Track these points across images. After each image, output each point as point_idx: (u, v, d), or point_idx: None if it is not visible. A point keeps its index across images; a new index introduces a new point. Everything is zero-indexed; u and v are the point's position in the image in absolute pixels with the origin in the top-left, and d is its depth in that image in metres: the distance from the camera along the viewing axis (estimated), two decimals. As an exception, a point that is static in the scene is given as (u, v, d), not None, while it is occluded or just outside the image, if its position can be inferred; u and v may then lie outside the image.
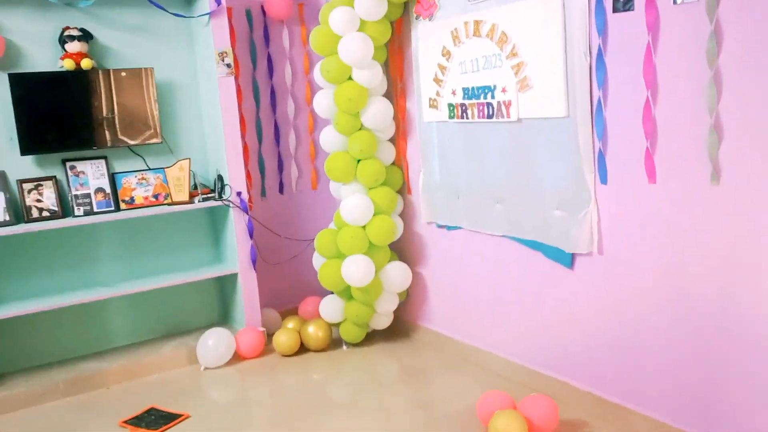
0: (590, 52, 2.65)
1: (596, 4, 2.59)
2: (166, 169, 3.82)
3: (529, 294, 3.17)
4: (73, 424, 3.21)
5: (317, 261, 3.93)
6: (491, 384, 3.25)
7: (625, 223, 2.66)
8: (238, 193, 3.86)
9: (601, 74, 2.63)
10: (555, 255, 2.96)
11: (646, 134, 2.49)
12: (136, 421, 3.19)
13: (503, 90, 3.03)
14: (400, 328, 4.06)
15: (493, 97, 3.09)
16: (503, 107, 3.05)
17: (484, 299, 3.44)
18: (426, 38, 3.46)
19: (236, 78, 3.92)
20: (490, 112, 3.12)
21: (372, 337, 4.03)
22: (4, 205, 3.44)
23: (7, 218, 3.44)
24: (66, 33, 3.51)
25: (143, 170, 3.81)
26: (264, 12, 4.11)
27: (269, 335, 4.07)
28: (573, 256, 2.89)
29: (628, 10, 2.49)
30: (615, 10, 2.54)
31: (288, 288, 4.37)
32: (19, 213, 3.52)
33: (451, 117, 3.37)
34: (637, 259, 2.63)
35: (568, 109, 2.76)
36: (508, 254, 3.24)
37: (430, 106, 3.50)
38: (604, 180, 2.70)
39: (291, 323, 4.00)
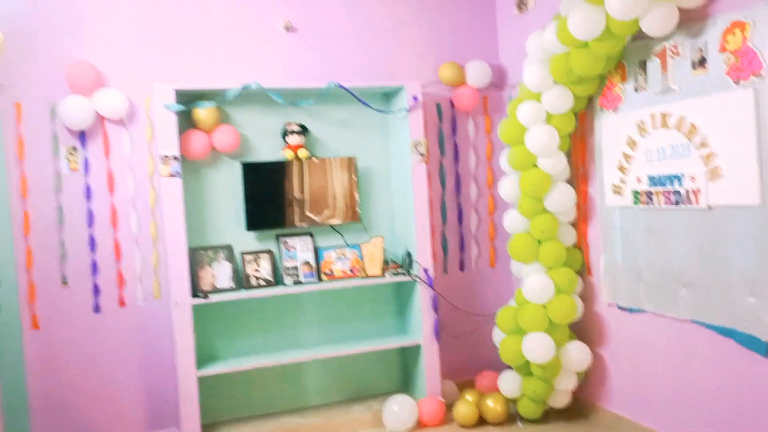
0: (785, 144, 2.73)
1: (791, 98, 2.69)
2: (361, 246, 4.25)
3: (718, 381, 3.14)
4: (279, 472, 3.58)
5: (497, 336, 4.12)
6: (679, 471, 3.21)
7: (827, 313, 2.63)
8: (425, 270, 4.19)
9: (797, 164, 2.68)
10: (748, 342, 2.95)
11: None
12: (332, 474, 3.49)
13: (692, 179, 3.14)
14: (578, 407, 4.10)
15: (680, 184, 3.21)
16: (692, 195, 3.15)
17: (669, 384, 3.44)
18: (610, 128, 3.66)
19: (426, 164, 4.33)
20: (677, 200, 3.23)
21: (549, 415, 4.10)
22: (230, 274, 4.02)
23: (232, 285, 4.00)
24: (288, 128, 4.11)
25: (342, 246, 4.27)
26: (452, 105, 4.53)
27: (448, 406, 4.26)
28: (769, 343, 2.87)
29: (826, 103, 2.56)
30: (811, 103, 2.62)
31: (466, 361, 4.57)
32: (240, 280, 4.07)
33: (635, 203, 3.51)
34: (843, 351, 2.58)
35: (762, 196, 2.82)
36: (695, 339, 3.25)
37: (614, 192, 3.66)
38: (802, 268, 2.71)
39: (469, 396, 4.18)
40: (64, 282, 3.80)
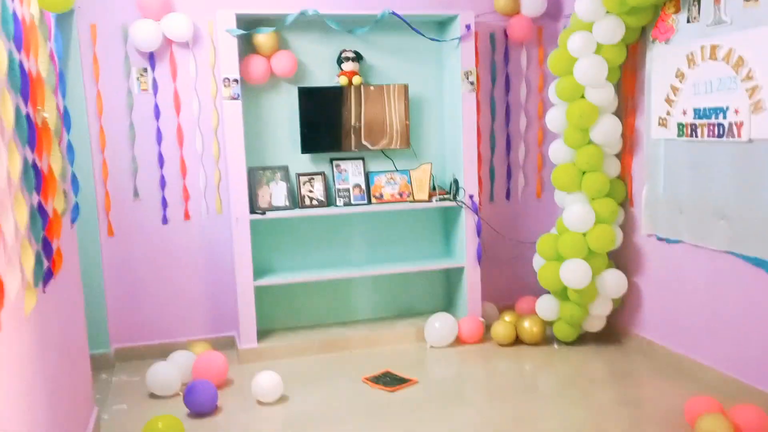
0: (831, 78, 2.73)
1: (840, 31, 2.68)
2: (411, 171, 4.43)
3: (748, 310, 3.25)
4: (325, 375, 3.91)
5: (537, 262, 4.29)
6: (701, 392, 3.37)
7: None
8: (470, 196, 4.35)
9: (841, 99, 2.70)
10: (779, 273, 3.04)
11: None
12: (375, 379, 3.80)
13: (736, 111, 3.17)
14: (612, 332, 4.28)
15: (725, 117, 3.24)
16: (734, 128, 3.19)
17: (701, 312, 3.57)
18: (660, 60, 3.67)
19: (477, 94, 4.42)
20: (721, 132, 3.27)
21: (584, 338, 4.29)
22: (286, 193, 4.28)
23: (287, 204, 4.27)
24: (343, 54, 4.26)
25: (392, 171, 4.46)
26: (506, 35, 4.57)
27: (487, 326, 4.50)
28: (798, 275, 2.95)
29: None
30: None
31: (507, 285, 4.78)
32: (295, 200, 4.33)
33: (680, 135, 3.55)
34: None
35: (803, 131, 2.85)
36: (729, 270, 3.35)
37: (659, 124, 3.70)
38: (837, 202, 2.75)
39: (508, 317, 4.40)
40: (136, 194, 4.15)
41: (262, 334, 4.30)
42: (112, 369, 4.08)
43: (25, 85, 2.25)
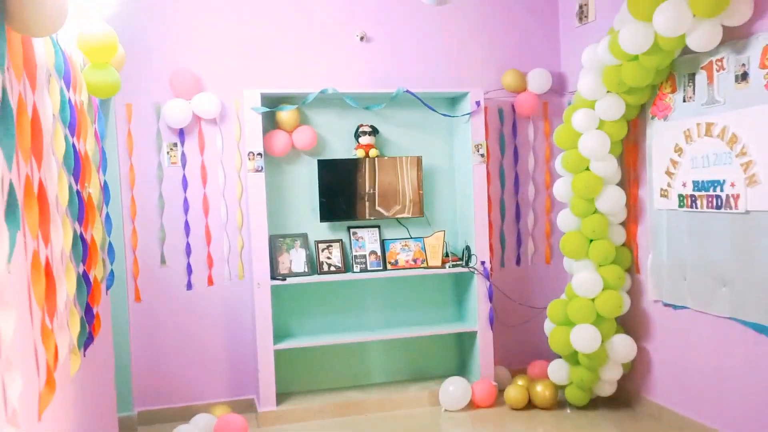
0: (818, 154, 2.93)
1: (823, 112, 2.89)
2: (424, 239, 4.63)
3: (752, 375, 3.36)
4: (343, 437, 4.01)
5: (548, 327, 4.41)
6: (712, 457, 3.44)
7: None
8: (482, 262, 4.53)
9: (828, 174, 2.89)
10: (780, 339, 3.17)
11: None
12: (390, 442, 3.90)
13: (732, 184, 3.36)
14: (623, 397, 4.36)
15: (722, 190, 3.43)
16: (731, 199, 3.37)
17: (708, 377, 3.67)
18: (660, 136, 3.90)
19: (487, 165, 4.66)
20: (719, 204, 3.46)
21: (595, 403, 4.37)
22: (305, 260, 4.47)
23: (306, 270, 4.46)
24: (360, 129, 4.53)
25: (407, 238, 4.66)
26: (514, 109, 4.84)
27: (500, 390, 4.59)
28: (798, 341, 3.08)
29: None
30: (842, 118, 2.82)
31: (519, 349, 4.89)
32: (314, 266, 4.52)
33: (681, 206, 3.74)
34: None
35: (795, 204, 3.04)
36: (732, 335, 3.47)
37: (661, 195, 3.90)
38: (830, 271, 2.91)
39: (520, 381, 4.50)
40: (163, 261, 4.35)
41: (281, 397, 4.42)
42: (135, 431, 4.20)
43: (76, 165, 2.50)
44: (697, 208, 3.62)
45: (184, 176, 4.36)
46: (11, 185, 1.63)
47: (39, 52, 2.02)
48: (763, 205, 3.20)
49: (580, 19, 4.65)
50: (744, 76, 3.29)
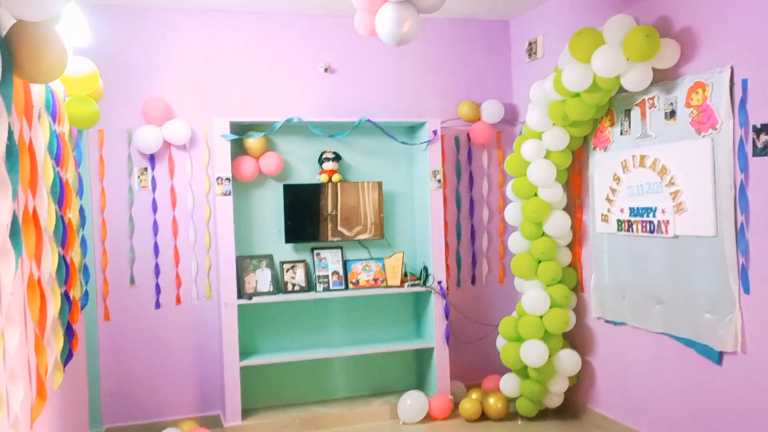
0: (735, 185, 3.28)
1: (739, 149, 3.25)
2: (384, 259, 4.88)
3: (684, 385, 3.68)
4: (306, 450, 4.20)
5: (500, 343, 4.69)
6: (647, 461, 3.74)
7: (766, 327, 3.17)
8: (439, 282, 4.80)
9: (743, 203, 3.24)
10: (705, 352, 3.50)
11: (779, 254, 3.05)
12: (352, 453, 4.11)
13: (663, 211, 3.71)
14: (570, 408, 4.65)
15: (654, 216, 3.78)
16: (662, 225, 3.71)
17: (646, 388, 3.98)
18: (600, 165, 4.24)
19: (444, 190, 4.94)
20: (652, 228, 3.80)
21: (545, 414, 4.65)
22: (270, 279, 4.67)
23: (271, 289, 4.66)
24: (324, 155, 4.78)
25: (368, 259, 4.90)
26: (469, 138, 5.15)
27: (456, 403, 4.84)
28: (721, 353, 3.41)
29: (765, 155, 3.12)
30: (754, 154, 3.18)
31: (474, 364, 5.15)
32: (279, 286, 4.73)
33: (619, 230, 4.07)
34: (776, 359, 3.11)
35: (716, 229, 3.38)
36: (665, 349, 3.80)
37: (602, 220, 4.23)
38: (747, 290, 3.25)
39: (475, 394, 4.76)
40: (132, 281, 4.51)
41: (247, 412, 4.58)
42: (103, 447, 4.32)
43: (61, 193, 2.68)
44: (633, 232, 3.96)
45: (154, 199, 4.54)
46: (14, 215, 1.83)
47: (34, 91, 2.23)
48: (690, 231, 3.54)
49: (530, 55, 5.00)
50: (672, 114, 3.64)
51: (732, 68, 3.28)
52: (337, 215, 4.78)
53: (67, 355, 2.74)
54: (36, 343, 2.07)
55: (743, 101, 3.22)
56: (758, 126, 3.15)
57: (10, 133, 1.78)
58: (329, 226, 4.79)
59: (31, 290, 2.01)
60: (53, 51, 1.86)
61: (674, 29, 3.62)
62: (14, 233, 1.80)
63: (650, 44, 3.51)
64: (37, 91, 2.27)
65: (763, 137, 3.13)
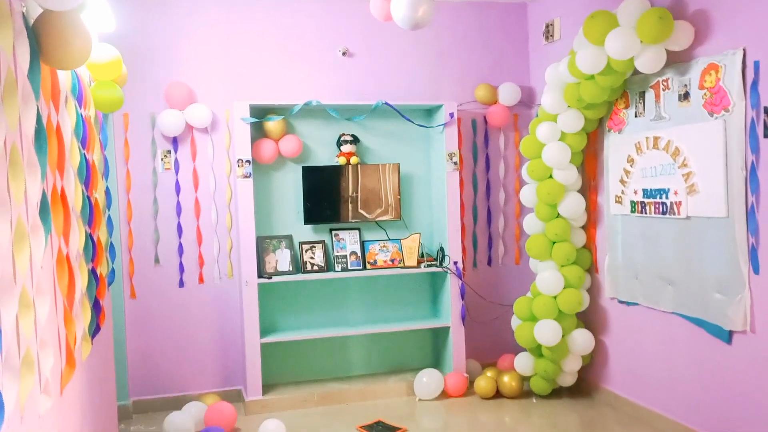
0: (746, 167, 3.31)
1: (750, 130, 3.27)
2: (401, 240, 4.97)
3: (694, 364, 3.74)
4: (324, 424, 4.34)
5: (514, 322, 4.77)
6: (657, 439, 3.82)
7: (774, 308, 3.21)
8: (455, 263, 4.88)
9: (754, 184, 3.27)
10: (715, 331, 3.54)
11: (788, 235, 3.08)
12: (368, 428, 4.23)
13: (675, 193, 3.74)
14: (583, 386, 4.73)
15: (667, 197, 3.81)
16: (675, 206, 3.75)
17: (657, 367, 4.04)
18: (615, 147, 4.27)
19: (460, 172, 5.01)
20: (664, 210, 3.83)
21: (558, 392, 4.73)
22: (290, 260, 4.80)
23: (291, 269, 4.78)
24: (342, 138, 4.87)
25: (385, 240, 5.00)
26: (486, 121, 5.20)
27: (471, 381, 4.94)
28: (730, 333, 3.45)
29: (775, 136, 3.15)
30: (765, 135, 3.20)
31: (489, 343, 5.24)
32: (298, 266, 4.85)
33: (632, 212, 4.11)
34: (784, 339, 3.16)
35: (727, 210, 3.42)
36: (676, 329, 3.85)
37: (616, 201, 4.27)
38: (756, 270, 3.29)
39: (489, 372, 4.86)
40: (157, 261, 4.66)
41: (267, 387, 4.73)
42: (131, 420, 4.50)
43: (87, 174, 2.81)
44: (646, 213, 3.99)
45: (177, 181, 4.68)
46: (44, 194, 1.95)
47: (61, 77, 2.34)
48: (701, 212, 3.58)
49: (547, 37, 5.02)
50: (686, 96, 3.66)
51: (744, 50, 3.30)
52: (357, 197, 4.88)
53: (95, 329, 2.89)
54: (65, 314, 2.20)
55: (755, 83, 3.24)
56: (770, 108, 3.17)
57: (39, 117, 1.90)
58: (350, 207, 4.89)
59: (60, 265, 2.14)
60: (79, 39, 1.97)
61: (688, 11, 3.63)
62: (44, 211, 1.92)
63: (663, 26, 3.53)
64: (64, 77, 2.39)
65: (775, 119, 3.14)
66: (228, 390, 4.77)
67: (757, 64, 3.23)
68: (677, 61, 3.72)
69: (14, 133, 1.68)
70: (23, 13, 1.85)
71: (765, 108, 3.19)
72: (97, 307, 2.92)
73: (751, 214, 3.30)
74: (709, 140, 3.50)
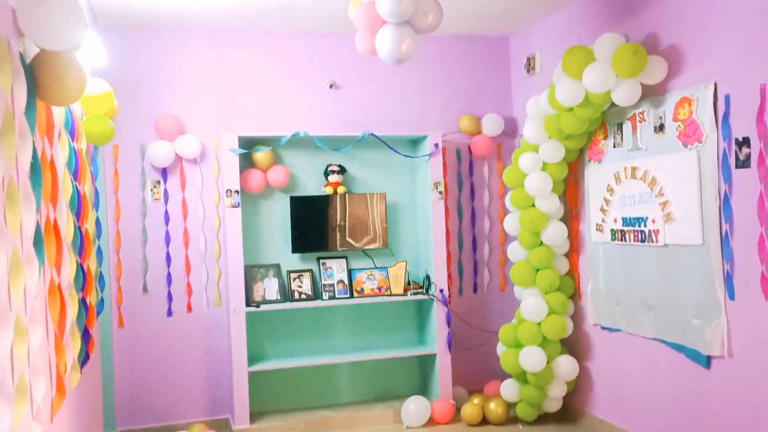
0: (719, 196, 3.42)
1: (723, 161, 3.39)
2: (388, 268, 5.04)
3: (675, 389, 3.81)
4: (312, 452, 4.36)
5: (500, 349, 4.83)
6: (640, 463, 3.86)
7: (750, 332, 3.29)
8: (441, 290, 4.95)
9: (727, 212, 3.38)
10: (694, 356, 3.62)
11: (761, 260, 3.18)
12: (355, 455, 4.26)
13: (653, 221, 3.85)
14: (568, 412, 4.77)
15: (645, 225, 3.92)
16: (653, 234, 3.86)
17: (640, 392, 4.11)
18: (595, 177, 4.39)
19: (445, 201, 5.11)
20: (643, 238, 3.94)
21: (544, 418, 4.78)
22: (277, 288, 4.85)
23: (278, 297, 4.83)
24: (329, 168, 4.96)
25: (372, 268, 5.06)
26: (470, 151, 5.32)
27: (457, 408, 4.97)
28: (709, 357, 3.54)
29: (746, 167, 3.26)
30: (737, 166, 3.32)
31: (475, 370, 5.29)
32: (286, 294, 4.90)
33: (613, 239, 4.22)
34: (761, 362, 3.24)
35: (703, 238, 3.52)
36: (656, 354, 3.93)
37: (597, 229, 4.37)
38: (732, 296, 3.38)
39: (476, 399, 4.90)
40: (145, 290, 4.70)
41: (255, 416, 4.75)
42: (117, 449, 4.50)
43: (79, 205, 2.88)
44: (626, 241, 4.10)
45: (166, 211, 4.74)
46: (38, 225, 2.01)
47: (55, 112, 2.42)
48: (678, 239, 3.68)
49: (528, 70, 5.17)
50: (661, 127, 3.79)
51: (716, 84, 3.43)
52: (345, 226, 4.96)
53: (84, 358, 2.92)
54: (56, 343, 2.25)
55: (726, 115, 3.37)
56: (740, 139, 3.29)
57: (34, 151, 1.97)
58: (337, 236, 4.96)
59: (52, 295, 2.20)
60: (73, 77, 2.05)
61: (662, 46, 3.78)
62: (37, 242, 1.98)
63: (637, 61, 3.67)
64: (58, 112, 2.47)
65: (745, 150, 3.27)
66: (216, 419, 4.78)
67: (727, 98, 3.36)
68: (652, 94, 3.85)
69: (11, 168, 1.75)
70: (20, 52, 1.94)
71: (736, 139, 3.32)
72: (86, 336, 2.96)
73: (725, 241, 3.40)
74: (684, 170, 3.62)
